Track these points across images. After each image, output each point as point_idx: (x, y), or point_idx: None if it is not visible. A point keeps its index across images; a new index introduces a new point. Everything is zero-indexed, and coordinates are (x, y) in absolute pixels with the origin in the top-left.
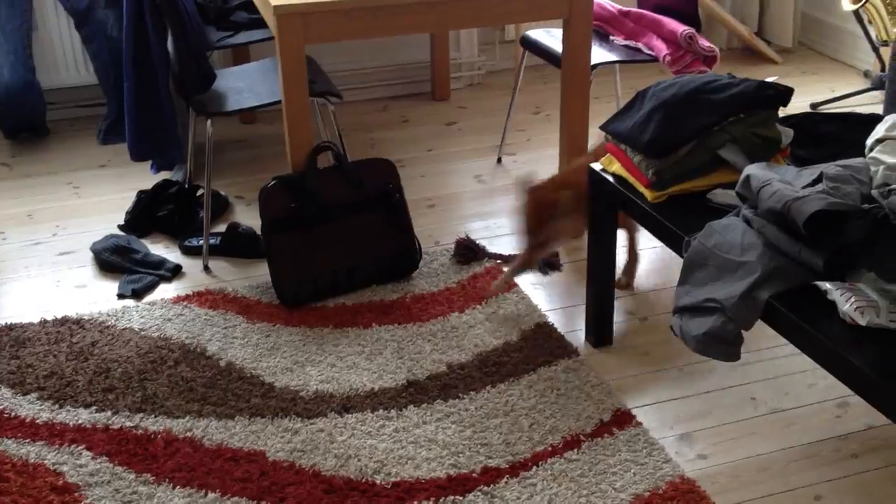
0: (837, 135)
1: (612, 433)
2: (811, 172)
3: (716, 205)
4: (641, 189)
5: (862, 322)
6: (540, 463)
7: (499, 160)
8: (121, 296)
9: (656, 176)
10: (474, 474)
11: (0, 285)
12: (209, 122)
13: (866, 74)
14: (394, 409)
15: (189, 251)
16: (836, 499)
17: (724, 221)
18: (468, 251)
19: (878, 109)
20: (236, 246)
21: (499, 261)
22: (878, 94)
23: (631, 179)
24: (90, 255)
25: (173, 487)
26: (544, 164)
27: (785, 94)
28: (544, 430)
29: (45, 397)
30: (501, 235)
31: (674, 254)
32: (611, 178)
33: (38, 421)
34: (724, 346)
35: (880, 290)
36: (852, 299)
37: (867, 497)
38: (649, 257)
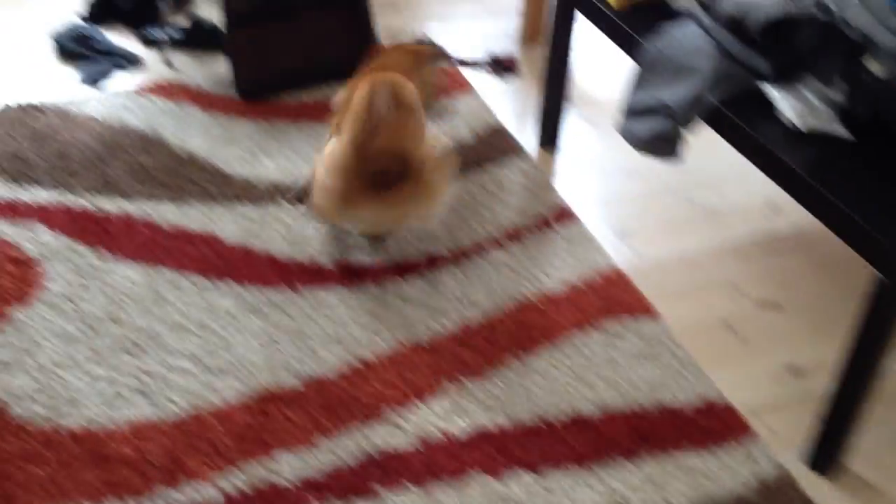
0: None
1: (552, 227)
2: None
3: (676, 10)
4: None
5: (802, 126)
6: (481, 252)
7: None
8: (82, 82)
9: None
10: (418, 261)
11: None
12: None
13: None
14: None
15: (149, 42)
16: (756, 290)
17: (680, 27)
18: None
19: None
20: (197, 39)
21: (456, 63)
22: None
23: None
24: (51, 42)
25: (130, 264)
26: None
27: None
28: (487, 223)
29: (5, 178)
30: (461, 39)
31: (632, 64)
32: None
33: None
34: (667, 146)
35: (822, 96)
36: (795, 104)
37: (785, 290)
38: (609, 64)
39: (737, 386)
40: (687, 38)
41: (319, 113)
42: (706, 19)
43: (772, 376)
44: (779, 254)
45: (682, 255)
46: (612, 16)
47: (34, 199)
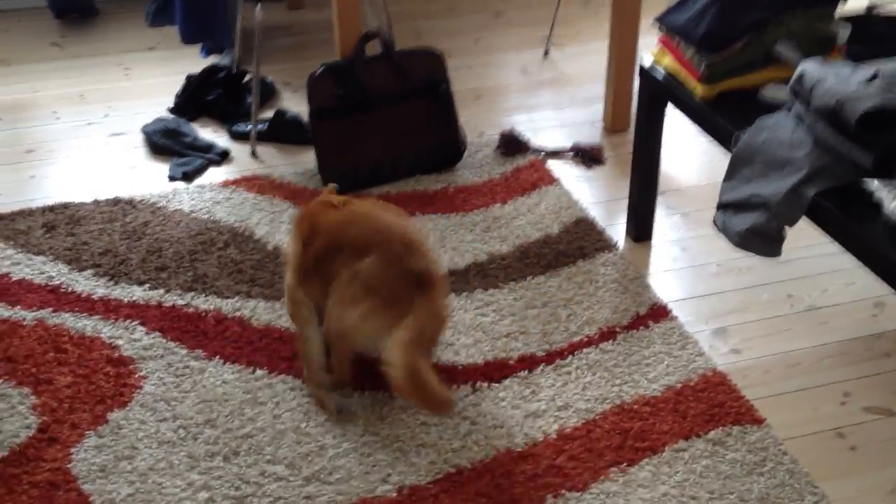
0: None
1: (647, 326)
2: (867, 70)
3: (767, 100)
4: (692, 85)
5: None
6: (575, 353)
7: (546, 52)
8: (171, 178)
9: (709, 70)
10: (511, 361)
11: (54, 164)
12: (258, 7)
13: None
14: None
15: (237, 136)
16: (864, 395)
17: (774, 118)
18: (512, 143)
19: None
20: (283, 132)
21: (542, 154)
22: None
23: (682, 74)
24: (141, 136)
25: (223, 363)
26: (592, 57)
27: None
28: (581, 321)
29: (100, 274)
30: (546, 128)
31: (720, 150)
32: (661, 72)
33: (93, 296)
34: (766, 242)
35: None
36: None
37: None
38: (696, 152)
39: (850, 501)
40: (781, 128)
41: (404, 205)
42: (801, 109)
43: (888, 491)
44: (886, 355)
45: (783, 355)
46: (700, 105)
47: (129, 297)
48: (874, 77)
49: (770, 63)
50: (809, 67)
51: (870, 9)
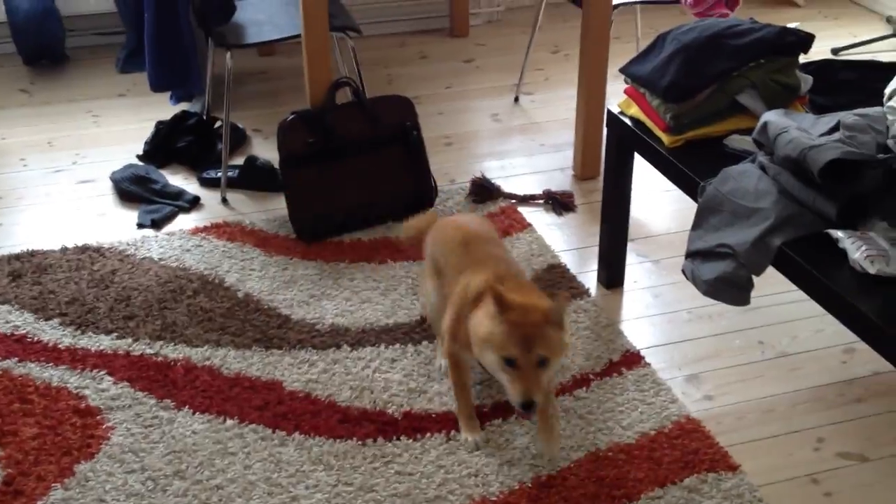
0: (857, 83)
1: (620, 373)
2: (829, 120)
3: (732, 150)
4: (659, 133)
5: (871, 270)
6: None
7: (516, 99)
8: (140, 225)
9: (674, 120)
10: (485, 409)
11: (21, 212)
12: (228, 54)
13: (888, 20)
14: (408, 343)
15: (207, 183)
16: (838, 441)
17: (739, 168)
18: (483, 190)
19: None
20: (254, 179)
21: (513, 200)
22: None
23: (649, 123)
24: (110, 183)
25: (193, 413)
26: (562, 103)
27: (806, 41)
28: None
29: (67, 323)
30: (516, 175)
31: (688, 198)
32: (628, 121)
33: (60, 346)
34: (734, 290)
35: (891, 239)
36: (863, 248)
37: (869, 440)
38: (666, 200)
39: None
40: (746, 178)
41: (377, 253)
42: (765, 159)
43: None
44: (858, 401)
45: (757, 401)
46: (666, 154)
47: (96, 346)
48: (835, 128)
49: (735, 113)
50: (772, 118)
51: (834, 51)
